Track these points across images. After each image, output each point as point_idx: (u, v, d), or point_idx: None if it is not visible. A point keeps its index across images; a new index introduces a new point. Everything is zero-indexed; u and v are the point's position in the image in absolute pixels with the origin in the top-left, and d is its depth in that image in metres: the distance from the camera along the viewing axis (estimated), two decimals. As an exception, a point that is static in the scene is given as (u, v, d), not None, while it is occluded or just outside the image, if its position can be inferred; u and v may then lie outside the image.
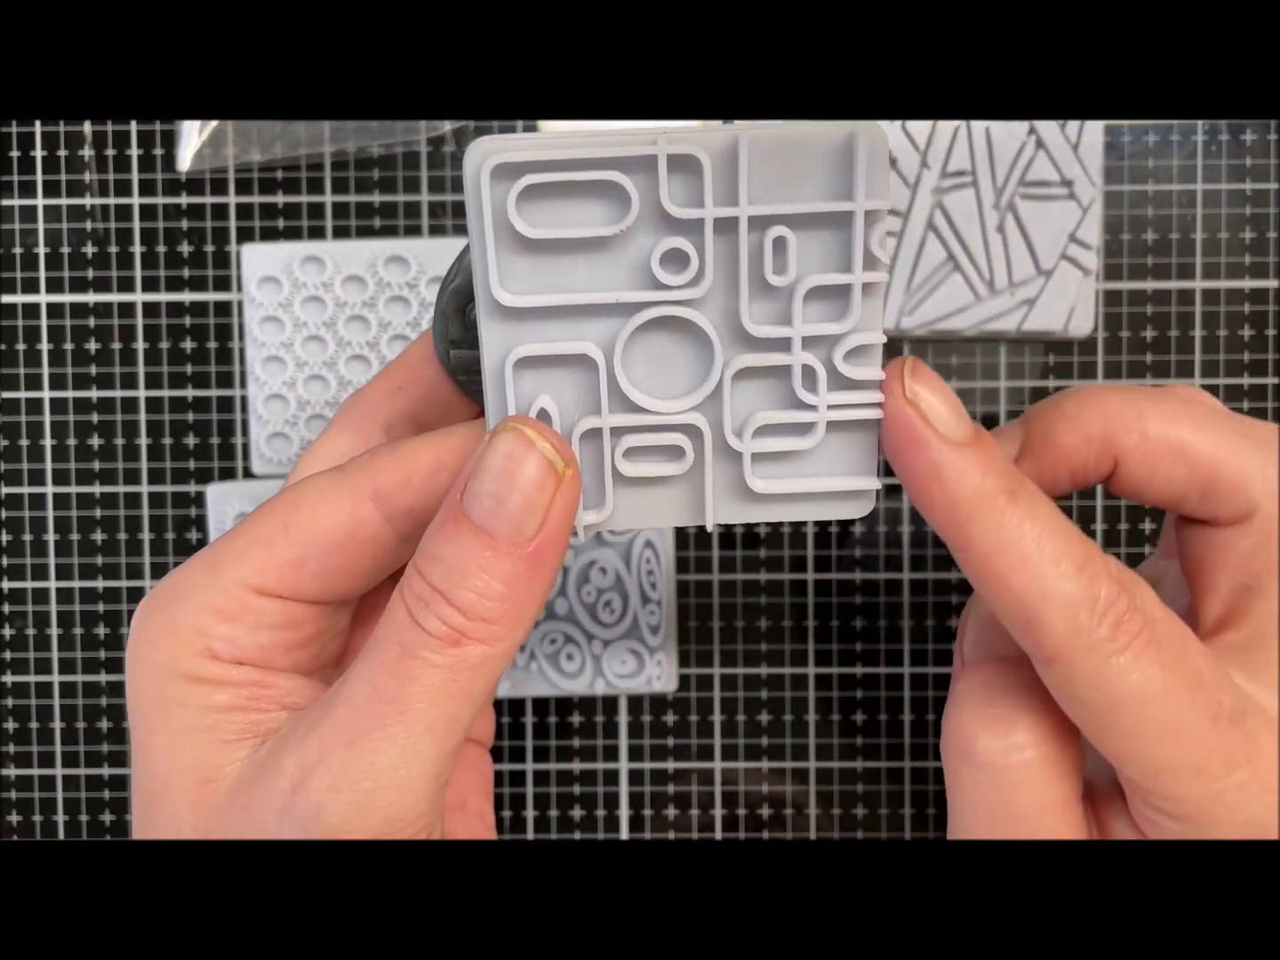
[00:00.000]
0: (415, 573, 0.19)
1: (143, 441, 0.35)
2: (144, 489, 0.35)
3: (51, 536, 0.35)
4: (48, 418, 0.35)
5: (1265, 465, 0.21)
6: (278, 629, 0.21)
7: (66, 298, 0.35)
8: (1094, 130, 0.34)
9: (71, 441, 0.35)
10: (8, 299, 0.35)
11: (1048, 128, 0.34)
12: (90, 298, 0.35)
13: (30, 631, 0.35)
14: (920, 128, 0.34)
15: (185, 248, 0.35)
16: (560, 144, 0.19)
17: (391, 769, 0.19)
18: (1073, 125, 0.34)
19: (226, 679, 0.21)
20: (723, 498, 0.21)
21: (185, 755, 0.20)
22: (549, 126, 0.35)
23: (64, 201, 0.35)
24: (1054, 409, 0.22)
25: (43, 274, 0.35)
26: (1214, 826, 0.18)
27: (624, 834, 0.36)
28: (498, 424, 0.19)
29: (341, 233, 0.35)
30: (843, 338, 0.20)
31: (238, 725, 0.21)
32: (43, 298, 0.35)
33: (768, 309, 0.20)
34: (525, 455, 0.19)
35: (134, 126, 0.35)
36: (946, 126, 0.34)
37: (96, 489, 0.35)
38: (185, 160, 0.35)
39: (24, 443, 0.35)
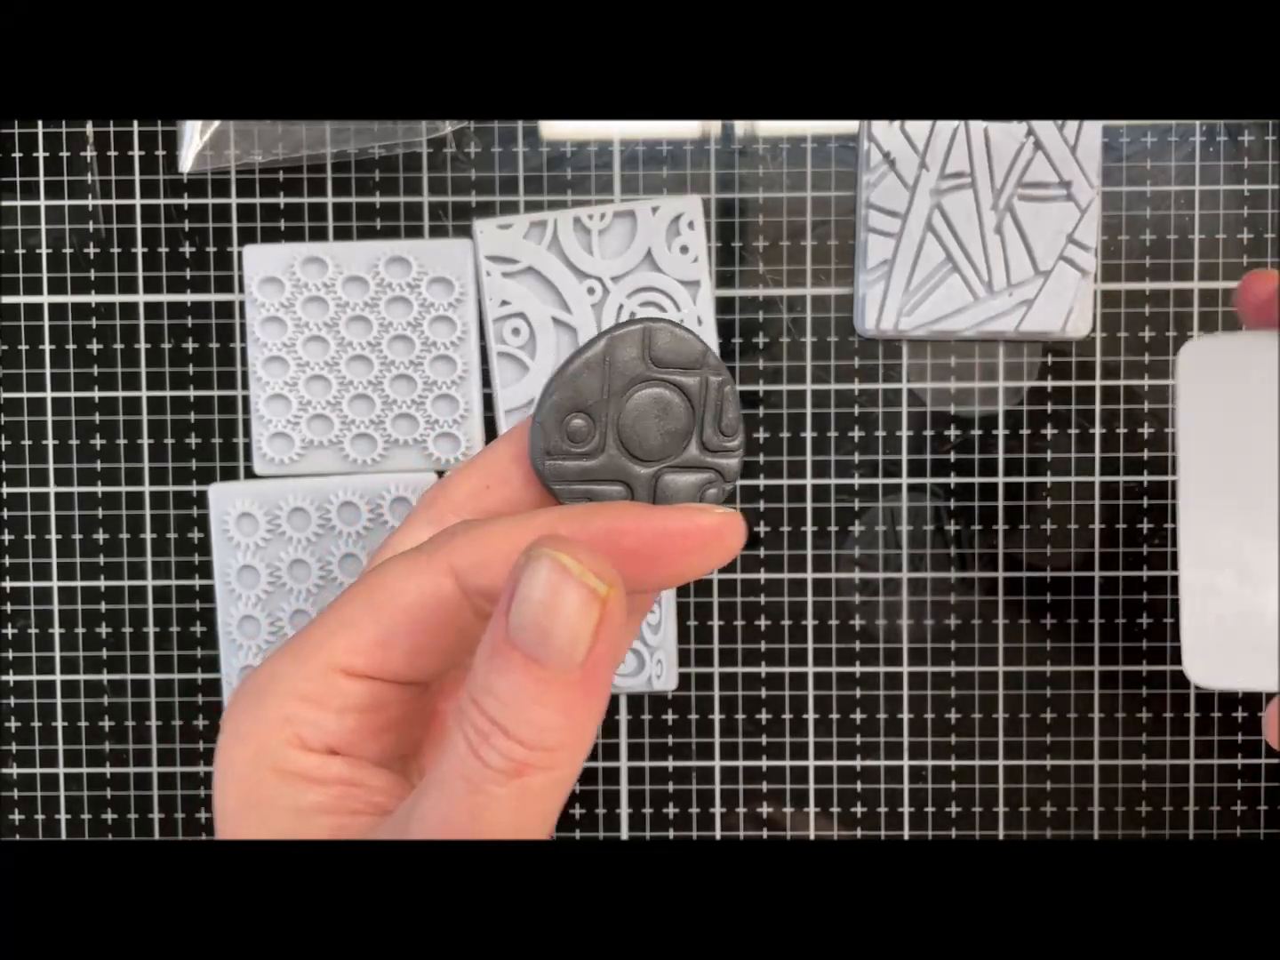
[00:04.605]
0: (471, 704, 0.19)
1: (145, 441, 0.35)
2: (146, 489, 0.35)
3: (54, 536, 0.35)
4: (50, 418, 0.35)
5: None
6: (364, 711, 0.21)
7: (69, 298, 0.35)
8: (1092, 131, 0.34)
9: (74, 442, 0.35)
10: (11, 299, 0.35)
11: (1046, 129, 0.34)
12: (93, 298, 0.35)
13: (33, 631, 0.36)
14: (919, 129, 0.34)
15: (187, 249, 0.35)
16: None
17: None
18: (1071, 126, 0.34)
19: (317, 775, 0.21)
20: None
21: None
22: (549, 126, 0.35)
23: (66, 202, 0.35)
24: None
25: (45, 275, 0.35)
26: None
27: (624, 833, 0.36)
28: (531, 547, 0.18)
29: (343, 234, 0.35)
30: None
31: (324, 829, 0.20)
32: (45, 298, 0.35)
33: None
34: (565, 583, 0.18)
35: (136, 127, 0.35)
36: (945, 128, 0.34)
37: (99, 489, 0.35)
38: (187, 161, 0.35)
39: (27, 443, 0.35)
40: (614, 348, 0.24)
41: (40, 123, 0.35)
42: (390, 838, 0.19)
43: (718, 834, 0.36)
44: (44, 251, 0.35)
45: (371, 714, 0.21)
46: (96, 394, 0.35)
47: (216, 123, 0.34)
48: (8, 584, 0.36)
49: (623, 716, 0.36)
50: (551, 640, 0.18)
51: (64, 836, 0.36)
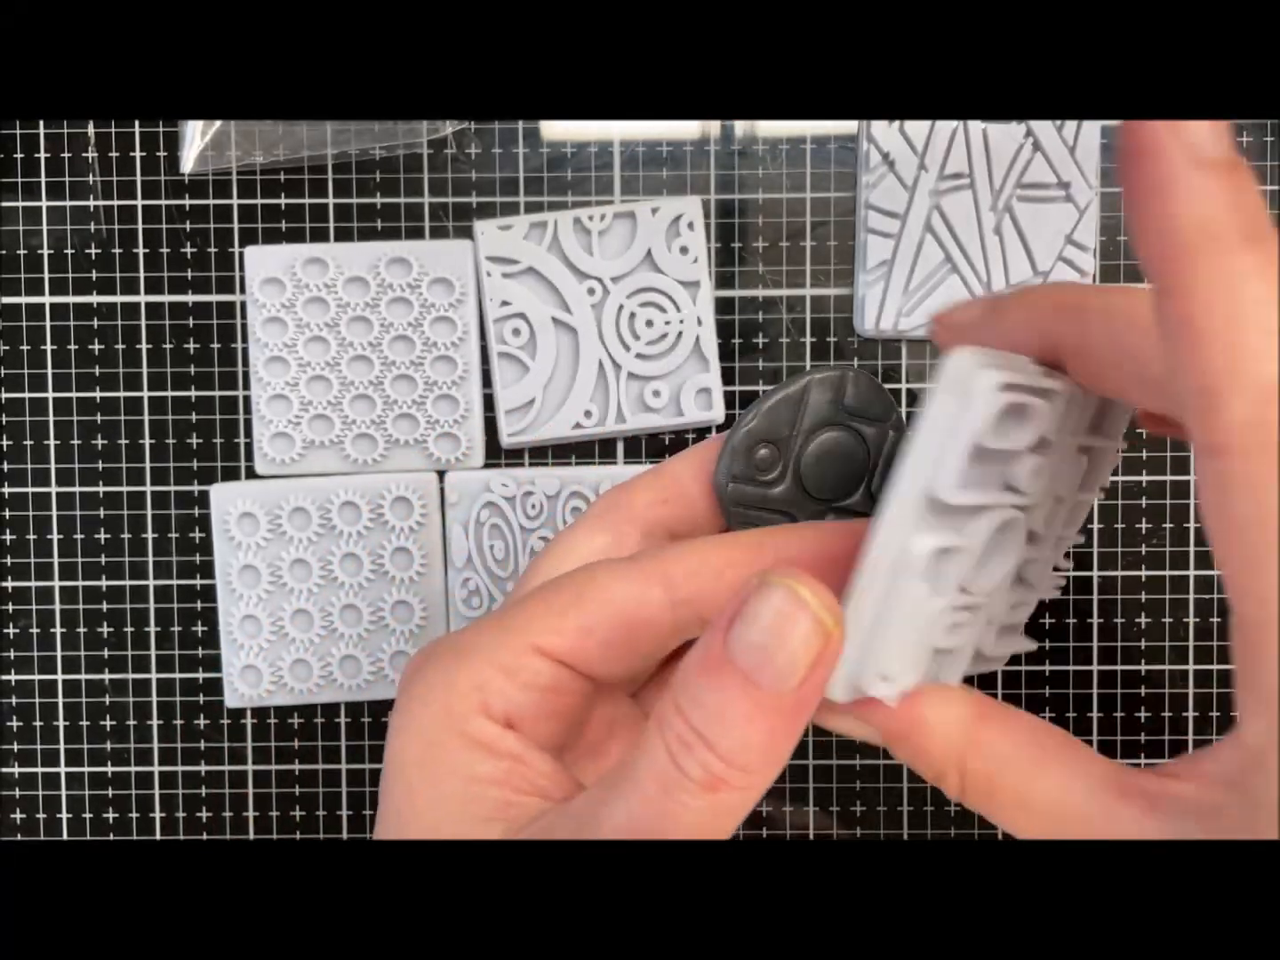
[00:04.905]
0: (675, 712, 0.19)
1: (146, 442, 0.35)
2: (148, 489, 0.36)
3: (56, 536, 0.36)
4: (52, 418, 0.35)
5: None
6: (545, 691, 0.22)
7: (70, 299, 0.35)
8: (1091, 132, 0.34)
9: (76, 442, 0.35)
10: (12, 300, 0.35)
11: (1045, 129, 0.34)
12: (94, 299, 0.35)
13: (35, 630, 0.36)
14: (918, 130, 0.34)
15: (189, 249, 0.35)
16: (1021, 367, 0.19)
17: None
18: (1070, 127, 0.34)
19: (494, 746, 0.21)
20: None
21: (445, 824, 0.21)
22: (549, 127, 0.35)
23: (68, 203, 0.35)
24: (1015, 294, 0.21)
25: (47, 275, 0.35)
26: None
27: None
28: (768, 573, 0.19)
29: (344, 234, 0.35)
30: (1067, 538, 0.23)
31: (493, 802, 0.21)
32: (47, 299, 0.35)
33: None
34: (797, 612, 0.18)
35: (137, 128, 0.35)
36: (944, 128, 0.34)
37: (100, 489, 0.36)
38: (188, 162, 0.35)
39: (29, 443, 0.35)
40: (811, 389, 0.25)
41: (41, 123, 0.35)
42: (574, 834, 0.20)
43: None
44: (46, 252, 0.35)
45: (551, 695, 0.22)
46: (98, 394, 0.35)
47: (218, 123, 0.35)
48: (9, 584, 0.36)
49: (623, 716, 0.36)
50: (772, 662, 0.18)
51: (65, 836, 0.36)
